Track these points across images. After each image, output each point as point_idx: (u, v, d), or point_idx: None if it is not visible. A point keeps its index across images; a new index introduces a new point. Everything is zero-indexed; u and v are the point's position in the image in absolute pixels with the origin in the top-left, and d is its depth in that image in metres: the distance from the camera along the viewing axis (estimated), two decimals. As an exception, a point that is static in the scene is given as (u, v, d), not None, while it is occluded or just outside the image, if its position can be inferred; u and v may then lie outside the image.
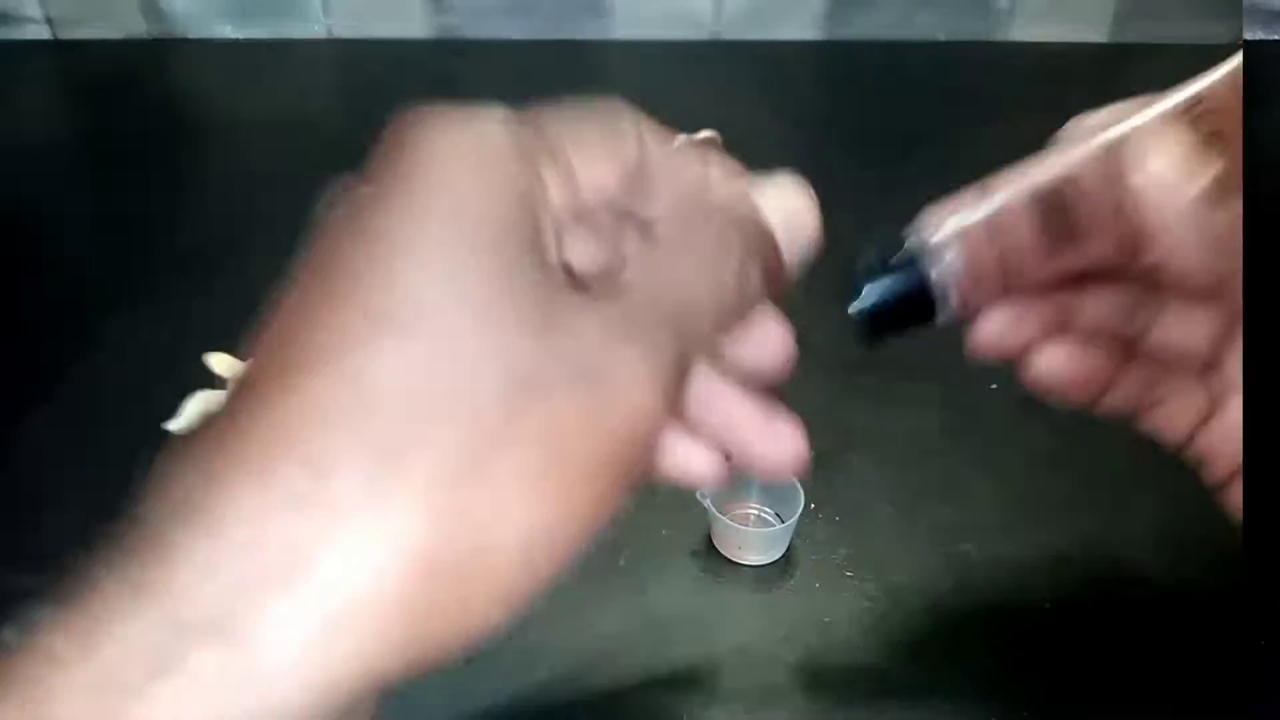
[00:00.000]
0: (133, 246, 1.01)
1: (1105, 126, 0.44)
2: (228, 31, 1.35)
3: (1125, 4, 1.36)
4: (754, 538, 0.72)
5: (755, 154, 0.66)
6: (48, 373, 0.87)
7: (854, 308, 0.45)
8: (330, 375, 0.30)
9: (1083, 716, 0.65)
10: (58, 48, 1.32)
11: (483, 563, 0.31)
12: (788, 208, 0.41)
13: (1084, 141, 0.44)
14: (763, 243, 0.40)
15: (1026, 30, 1.36)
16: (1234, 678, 0.65)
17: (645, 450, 0.35)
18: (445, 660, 0.31)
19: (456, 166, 0.34)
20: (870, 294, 0.45)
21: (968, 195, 0.45)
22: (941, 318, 0.45)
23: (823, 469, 0.78)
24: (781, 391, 0.51)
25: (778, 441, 0.41)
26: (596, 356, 0.33)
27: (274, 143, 1.16)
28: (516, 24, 1.34)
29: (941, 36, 1.36)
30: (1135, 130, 0.43)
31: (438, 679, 0.34)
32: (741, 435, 0.40)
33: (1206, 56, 0.46)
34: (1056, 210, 0.43)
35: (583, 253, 0.39)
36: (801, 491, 0.71)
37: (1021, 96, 1.21)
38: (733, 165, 0.41)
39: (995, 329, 0.47)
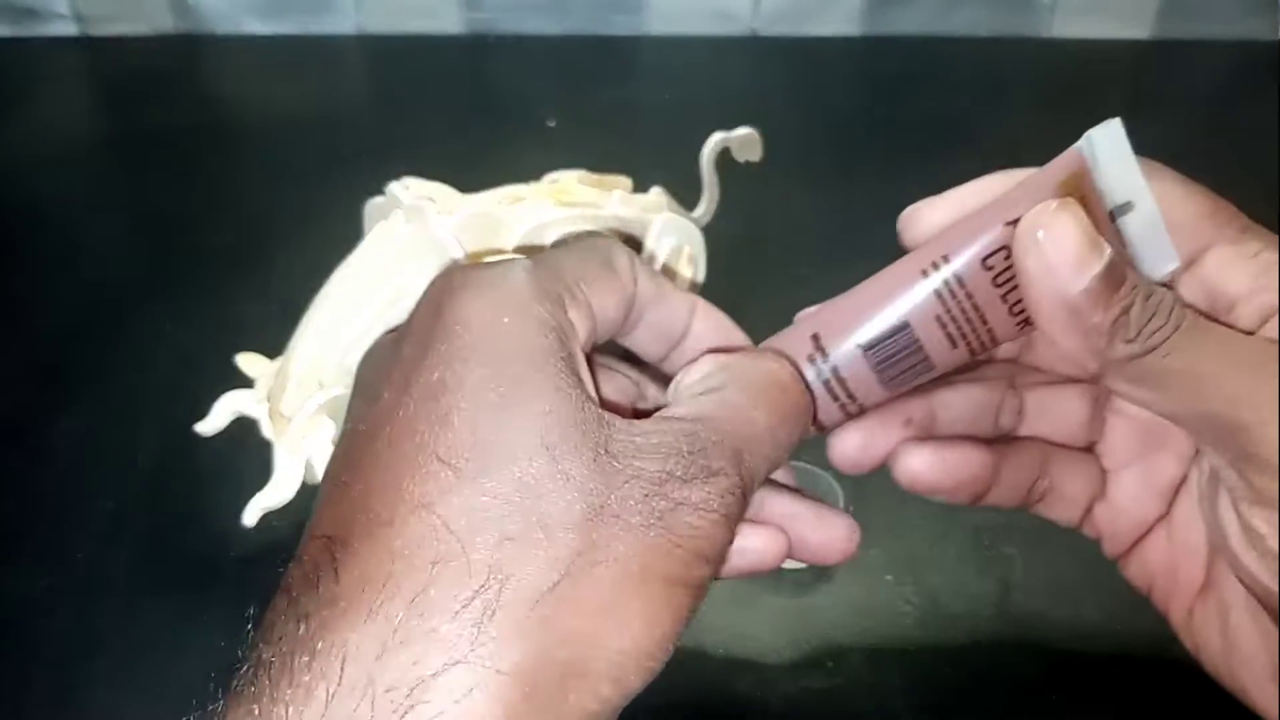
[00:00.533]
0: (162, 244, 1.01)
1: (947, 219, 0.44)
2: (257, 28, 1.34)
3: (1168, 0, 1.34)
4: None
5: (793, 151, 0.64)
6: (77, 372, 0.86)
7: None
8: (422, 520, 0.32)
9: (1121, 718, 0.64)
10: (86, 44, 1.32)
11: (583, 684, 0.32)
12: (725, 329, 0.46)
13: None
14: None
15: (1067, 26, 1.35)
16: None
17: (714, 567, 0.37)
18: None
19: (492, 311, 0.36)
20: None
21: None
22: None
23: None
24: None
25: (831, 530, 0.46)
26: (656, 484, 0.35)
27: (304, 139, 1.15)
28: (549, 20, 1.33)
29: (982, 32, 1.35)
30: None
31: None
32: (798, 526, 0.45)
33: (1248, 53, 0.44)
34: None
35: (605, 383, 0.43)
36: (840, 494, 0.70)
37: (1062, 93, 1.20)
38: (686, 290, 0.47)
39: (849, 448, 0.48)
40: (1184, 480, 0.49)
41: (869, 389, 0.45)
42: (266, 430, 0.65)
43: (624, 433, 0.35)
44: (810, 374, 0.45)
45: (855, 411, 0.47)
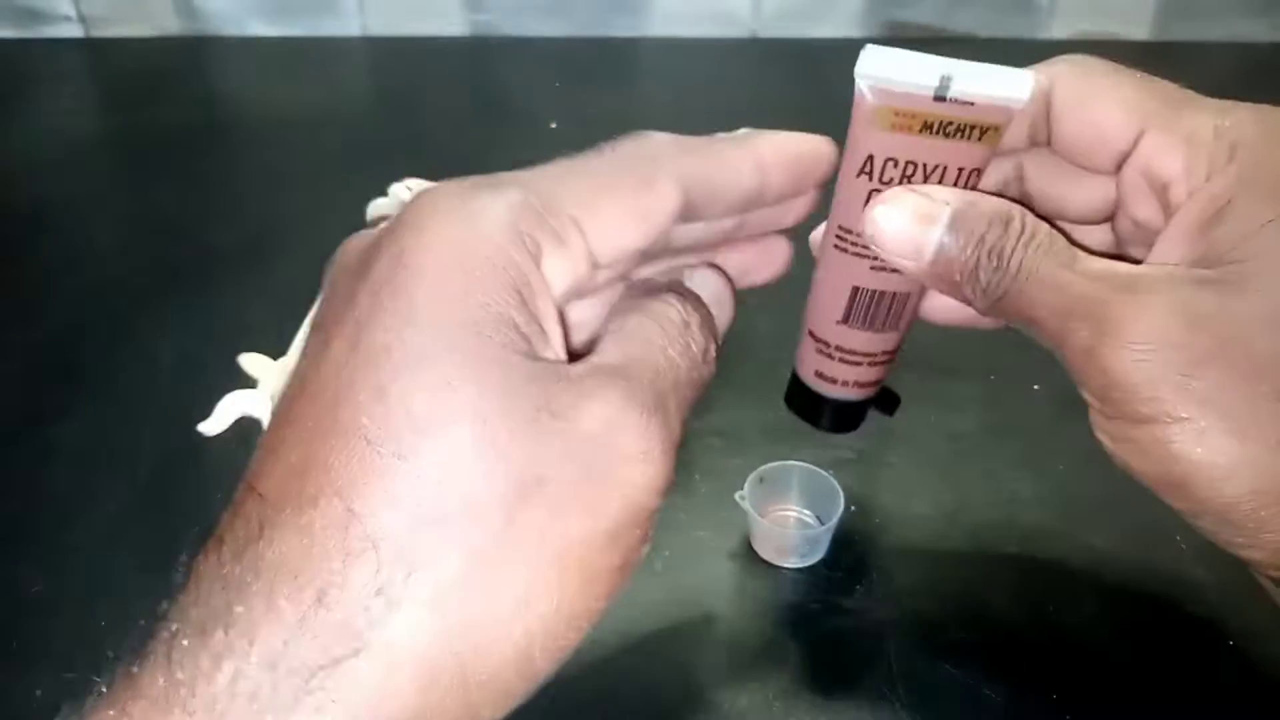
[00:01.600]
0: (165, 245, 1.01)
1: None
2: (261, 29, 1.35)
3: (1167, 1, 1.34)
4: (793, 540, 0.71)
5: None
6: (80, 372, 0.86)
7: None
8: (338, 510, 0.32)
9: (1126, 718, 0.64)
10: (91, 46, 1.32)
11: (484, 670, 0.33)
12: (716, 291, 0.44)
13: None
14: (710, 321, 0.42)
15: (1067, 27, 1.35)
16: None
17: (645, 530, 0.36)
18: None
19: (452, 264, 0.35)
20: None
21: None
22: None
23: (862, 470, 0.77)
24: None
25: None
26: (597, 442, 0.34)
27: (308, 140, 1.16)
28: (553, 22, 1.34)
29: (981, 34, 1.35)
30: None
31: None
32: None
33: (1248, 53, 0.45)
34: None
35: (583, 312, 0.41)
36: (841, 493, 0.70)
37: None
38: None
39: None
40: None
41: (874, 342, 0.49)
42: (270, 430, 0.65)
43: (569, 387, 0.35)
44: (828, 363, 0.49)
45: (884, 360, 0.50)
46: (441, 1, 1.33)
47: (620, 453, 0.34)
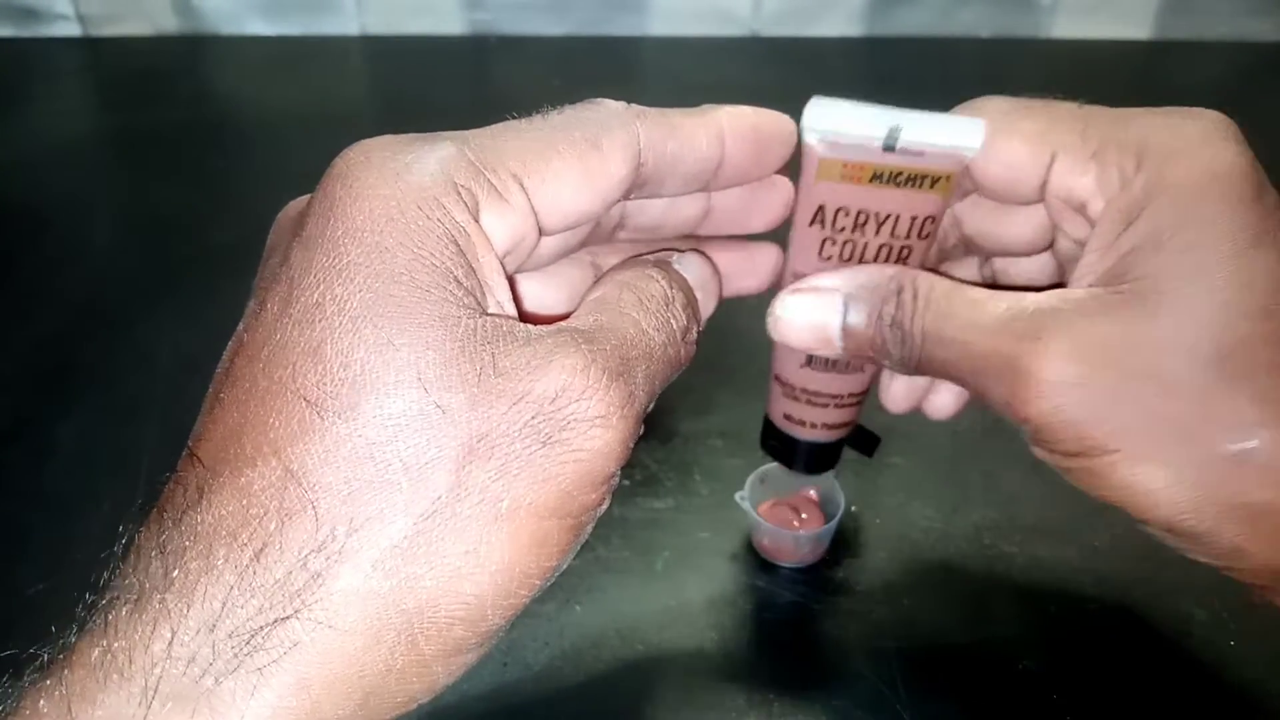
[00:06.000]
0: (164, 244, 1.01)
1: None
2: (260, 28, 1.35)
3: (1168, 1, 1.34)
4: (793, 540, 0.71)
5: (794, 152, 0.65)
6: (78, 372, 0.86)
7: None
8: (275, 470, 0.32)
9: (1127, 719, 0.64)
10: (89, 45, 1.32)
11: (432, 627, 0.32)
12: (702, 275, 0.44)
13: None
14: (694, 303, 0.42)
15: (1069, 27, 1.35)
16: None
17: (601, 494, 0.36)
18: (408, 712, 0.34)
19: (385, 217, 0.34)
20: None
21: None
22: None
23: (863, 470, 0.77)
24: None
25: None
26: (551, 404, 0.34)
27: (306, 140, 1.16)
28: (551, 20, 1.34)
29: (983, 33, 1.35)
30: None
31: (473, 681, 0.34)
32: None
33: (1248, 53, 0.45)
34: None
35: (539, 292, 0.41)
36: (842, 493, 0.70)
37: (1064, 94, 1.20)
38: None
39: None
40: None
41: (840, 384, 0.50)
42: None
43: (521, 346, 0.34)
44: (797, 406, 0.51)
45: (853, 402, 0.52)
46: (440, 0, 1.33)
47: (576, 415, 0.34)
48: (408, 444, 0.32)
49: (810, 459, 0.53)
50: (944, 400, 0.54)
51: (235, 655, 0.30)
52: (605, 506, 0.37)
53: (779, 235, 0.48)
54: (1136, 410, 0.39)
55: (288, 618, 0.31)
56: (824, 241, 0.44)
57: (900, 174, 0.43)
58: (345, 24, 1.35)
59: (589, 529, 0.36)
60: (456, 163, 0.36)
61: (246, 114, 1.24)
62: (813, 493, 0.73)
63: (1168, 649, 0.67)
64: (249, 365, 0.34)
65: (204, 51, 1.34)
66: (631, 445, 0.36)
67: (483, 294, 0.35)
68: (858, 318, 0.42)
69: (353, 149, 0.37)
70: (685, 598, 0.69)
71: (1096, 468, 0.40)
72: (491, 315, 0.35)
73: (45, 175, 1.11)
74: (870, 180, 0.43)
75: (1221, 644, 0.67)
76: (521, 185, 0.37)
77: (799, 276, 0.46)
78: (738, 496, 0.70)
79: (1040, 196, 0.45)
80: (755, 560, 0.71)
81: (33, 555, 0.72)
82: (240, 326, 0.37)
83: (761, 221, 0.46)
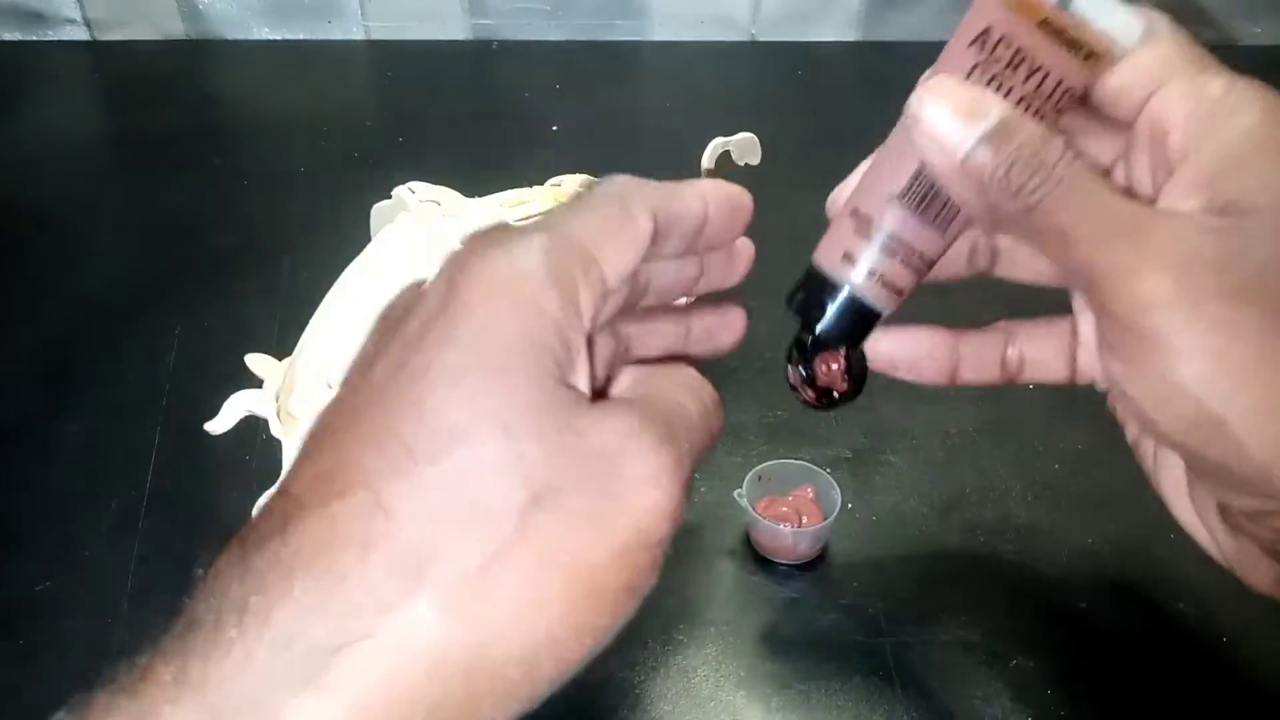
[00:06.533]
0: (171, 247, 1.02)
1: None
2: (265, 33, 1.35)
3: (1159, 5, 1.34)
4: (792, 538, 0.71)
5: (791, 155, 0.66)
6: (86, 371, 0.87)
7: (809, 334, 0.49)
8: (364, 501, 0.33)
9: (1119, 717, 0.65)
10: (95, 49, 1.33)
11: (488, 665, 0.34)
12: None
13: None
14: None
15: (1065, 30, 1.35)
16: (1273, 678, 0.64)
17: (654, 556, 0.37)
18: None
19: (498, 300, 0.36)
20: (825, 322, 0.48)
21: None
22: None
23: (860, 468, 0.78)
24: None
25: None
26: (612, 460, 0.35)
27: (311, 144, 1.16)
28: (552, 26, 1.34)
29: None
30: None
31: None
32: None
33: (1248, 54, 0.45)
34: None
35: (602, 356, 0.43)
36: (838, 491, 0.71)
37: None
38: None
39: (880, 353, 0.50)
40: None
41: (921, 235, 0.46)
42: (275, 429, 0.66)
43: (589, 416, 0.36)
44: (864, 245, 0.46)
45: (919, 265, 0.46)
46: (443, 5, 1.33)
47: (632, 473, 0.35)
48: (484, 488, 0.34)
49: (843, 314, 0.47)
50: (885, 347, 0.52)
51: (306, 673, 0.32)
52: (656, 576, 0.37)
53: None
54: (1241, 311, 0.39)
55: (360, 640, 0.32)
56: (975, 67, 0.43)
57: (1065, 31, 0.42)
58: (349, 29, 1.35)
59: (642, 594, 0.37)
60: (553, 250, 0.38)
61: (250, 118, 1.25)
62: (810, 491, 0.73)
63: (1159, 645, 0.68)
64: (350, 417, 0.36)
65: (209, 56, 1.34)
66: (683, 510, 0.37)
67: (570, 368, 0.37)
68: (995, 145, 0.41)
69: (466, 245, 0.39)
70: (684, 594, 0.70)
71: (1180, 374, 0.39)
72: (574, 388, 0.37)
73: (50, 177, 1.11)
74: (1039, 24, 0.42)
75: (1213, 640, 0.68)
76: (595, 259, 0.39)
77: None
78: (736, 494, 0.71)
79: (1134, 116, 0.45)
80: (753, 557, 0.72)
81: (38, 552, 0.73)
82: (342, 390, 0.39)
83: (732, 279, 0.48)
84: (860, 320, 0.48)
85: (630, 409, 0.37)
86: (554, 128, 1.16)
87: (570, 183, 0.70)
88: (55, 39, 1.32)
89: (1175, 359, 0.39)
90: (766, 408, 0.78)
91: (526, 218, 0.65)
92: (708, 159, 0.71)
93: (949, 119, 0.41)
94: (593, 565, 0.35)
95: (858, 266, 0.46)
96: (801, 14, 1.33)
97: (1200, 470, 0.43)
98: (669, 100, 1.26)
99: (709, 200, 0.44)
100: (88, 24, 1.33)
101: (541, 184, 0.70)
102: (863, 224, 0.46)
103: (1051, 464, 0.79)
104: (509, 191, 0.68)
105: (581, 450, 0.35)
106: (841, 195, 0.48)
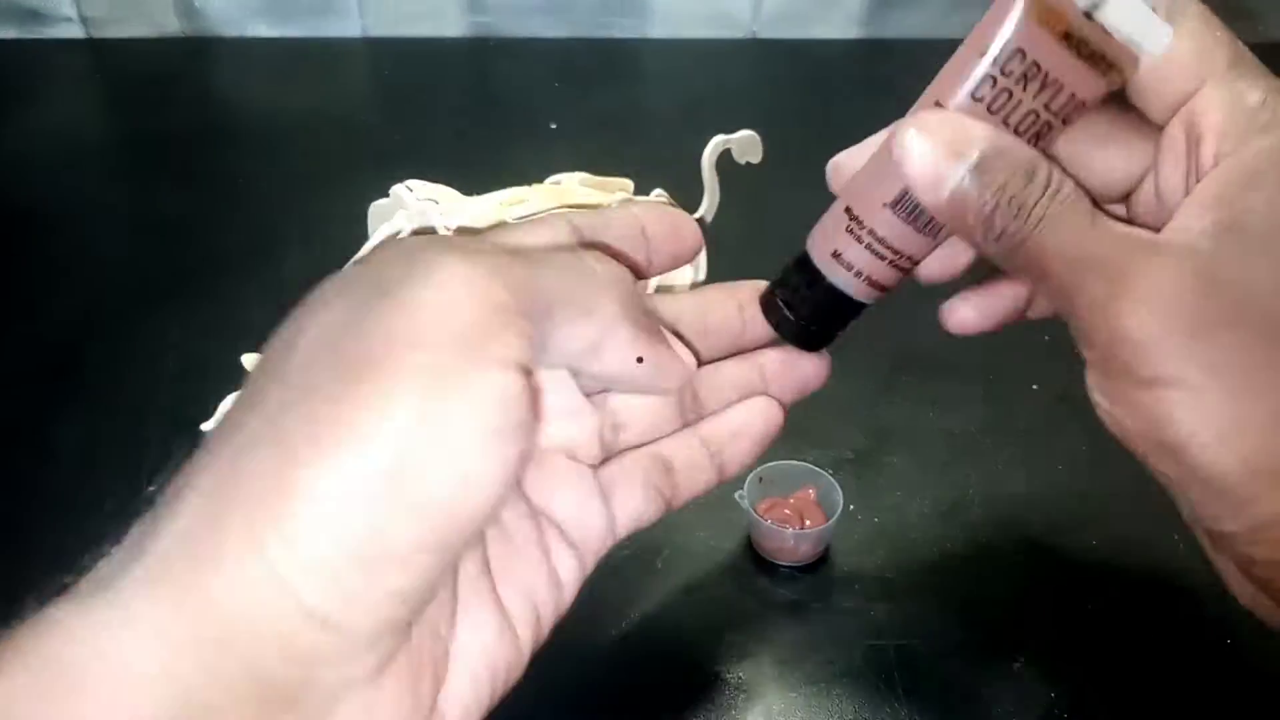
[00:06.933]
0: (168, 246, 1.02)
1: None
2: (262, 31, 1.35)
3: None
4: (793, 539, 0.71)
5: (793, 153, 0.65)
6: (83, 372, 0.87)
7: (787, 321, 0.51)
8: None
9: (1124, 718, 0.65)
10: (92, 47, 1.33)
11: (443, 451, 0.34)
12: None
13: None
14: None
15: (1066, 28, 1.35)
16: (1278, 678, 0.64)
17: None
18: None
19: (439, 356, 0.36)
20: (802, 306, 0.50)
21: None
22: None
23: (861, 470, 0.78)
24: (821, 392, 0.51)
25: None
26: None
27: (309, 142, 1.16)
28: (553, 23, 1.34)
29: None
30: None
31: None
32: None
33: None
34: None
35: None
36: (840, 492, 0.71)
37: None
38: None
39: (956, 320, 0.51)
40: None
41: (909, 241, 0.46)
42: (272, 430, 0.65)
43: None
44: (854, 246, 0.47)
45: (906, 266, 0.47)
46: (441, 3, 1.33)
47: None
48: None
49: (829, 307, 0.49)
50: (966, 314, 0.52)
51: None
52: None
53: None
54: (1231, 346, 0.38)
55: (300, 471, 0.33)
56: (984, 80, 0.43)
57: (1087, 45, 0.42)
58: (347, 26, 1.35)
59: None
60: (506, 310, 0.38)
61: (249, 116, 1.24)
62: (812, 493, 0.73)
63: (1164, 648, 0.67)
64: (253, 415, 0.37)
65: (207, 53, 1.34)
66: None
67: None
68: (978, 181, 0.41)
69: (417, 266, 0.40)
70: (685, 596, 0.70)
71: (1162, 397, 0.39)
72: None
73: (48, 176, 1.11)
74: (1060, 37, 0.42)
75: (1218, 643, 0.67)
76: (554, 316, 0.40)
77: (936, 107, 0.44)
78: (737, 496, 0.70)
79: (1166, 118, 0.44)
80: (754, 559, 0.72)
81: (37, 557, 0.73)
82: (256, 371, 0.40)
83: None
84: (844, 312, 0.50)
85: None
86: (552, 125, 1.16)
87: (569, 181, 0.69)
88: (51, 36, 1.32)
89: (1146, 390, 0.40)
90: (767, 408, 0.77)
91: (524, 216, 0.64)
92: (708, 157, 0.70)
93: (931, 156, 0.41)
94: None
95: (847, 264, 0.48)
96: (802, 12, 1.33)
97: (1175, 491, 0.43)
98: (669, 98, 1.25)
99: (643, 219, 0.47)
100: (84, 21, 1.32)
101: (540, 182, 0.70)
102: (855, 225, 0.47)
103: (1055, 465, 0.78)
104: (507, 190, 0.67)
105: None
106: (845, 163, 0.49)
